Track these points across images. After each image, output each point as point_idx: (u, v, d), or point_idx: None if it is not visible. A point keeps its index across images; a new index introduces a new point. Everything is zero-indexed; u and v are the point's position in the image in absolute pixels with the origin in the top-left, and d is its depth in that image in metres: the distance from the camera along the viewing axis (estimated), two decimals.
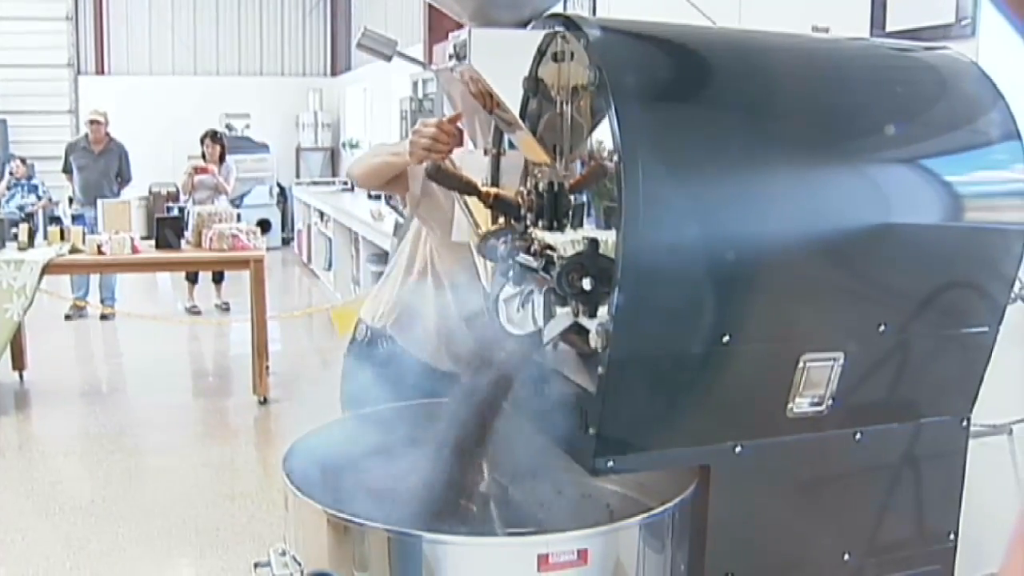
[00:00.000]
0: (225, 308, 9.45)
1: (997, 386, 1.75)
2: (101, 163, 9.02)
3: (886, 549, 1.67)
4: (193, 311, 9.35)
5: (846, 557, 1.65)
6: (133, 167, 9.42)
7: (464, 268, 2.32)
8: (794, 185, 1.48)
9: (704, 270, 1.39)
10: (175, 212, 8.66)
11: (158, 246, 6.93)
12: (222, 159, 9.47)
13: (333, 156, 16.14)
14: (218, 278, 9.48)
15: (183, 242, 6.99)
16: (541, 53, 1.68)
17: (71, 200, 9.64)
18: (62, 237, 6.75)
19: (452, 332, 2.38)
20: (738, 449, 1.53)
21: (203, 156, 9.41)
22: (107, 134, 9.12)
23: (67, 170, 9.22)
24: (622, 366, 1.41)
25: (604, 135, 1.46)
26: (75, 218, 8.55)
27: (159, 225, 7.03)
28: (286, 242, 14.87)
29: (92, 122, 9.06)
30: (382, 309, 2.48)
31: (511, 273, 1.66)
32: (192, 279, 9.42)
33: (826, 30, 1.87)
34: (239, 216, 7.70)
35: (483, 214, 1.86)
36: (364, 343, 2.50)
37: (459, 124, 2.10)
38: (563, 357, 1.64)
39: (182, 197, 9.50)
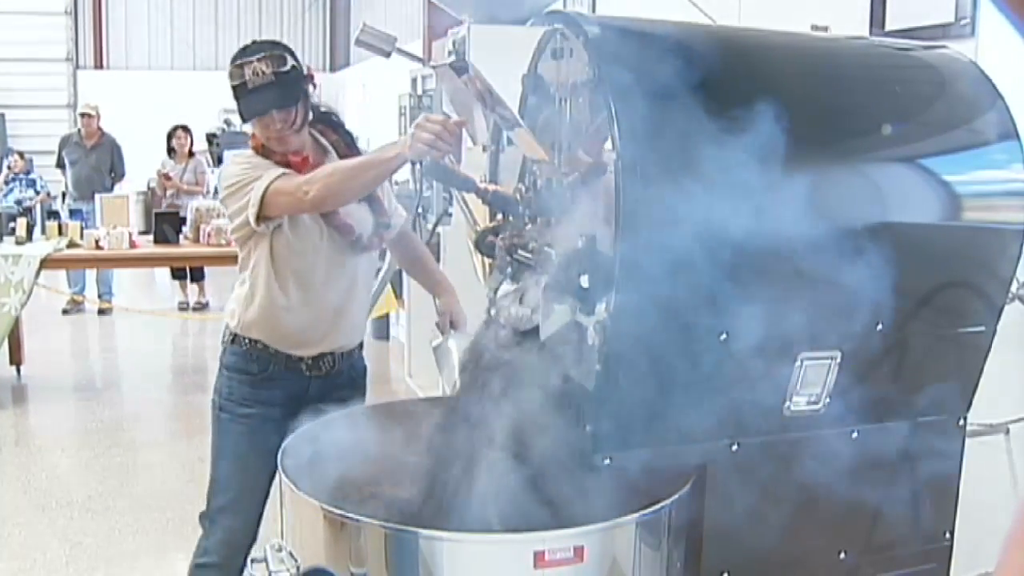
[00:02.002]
0: (204, 306, 9.30)
1: (994, 385, 1.75)
2: (93, 158, 8.94)
3: (882, 548, 1.67)
4: (183, 307, 9.28)
5: (842, 555, 1.65)
6: (131, 162, 9.34)
7: (307, 264, 2.48)
8: (791, 183, 1.48)
9: (701, 268, 1.39)
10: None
11: (156, 241, 6.91)
12: (191, 153, 9.25)
13: None
14: (197, 276, 9.30)
15: (181, 237, 6.98)
16: (540, 50, 1.68)
17: (64, 195, 9.57)
18: (60, 232, 6.74)
19: (307, 323, 2.51)
20: (735, 447, 1.53)
21: (170, 151, 9.21)
22: (99, 128, 9.05)
23: (60, 165, 9.16)
24: (619, 364, 1.41)
25: (602, 132, 1.46)
26: (72, 213, 8.50)
27: (157, 220, 7.02)
28: None
29: (84, 115, 8.99)
30: (251, 316, 2.54)
31: (509, 270, 1.66)
32: (181, 276, 9.31)
33: (825, 29, 1.87)
34: None
35: (481, 211, 1.86)
36: (230, 342, 2.61)
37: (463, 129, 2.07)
38: (560, 354, 1.64)
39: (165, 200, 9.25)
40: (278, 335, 2.53)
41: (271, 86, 2.38)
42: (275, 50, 2.42)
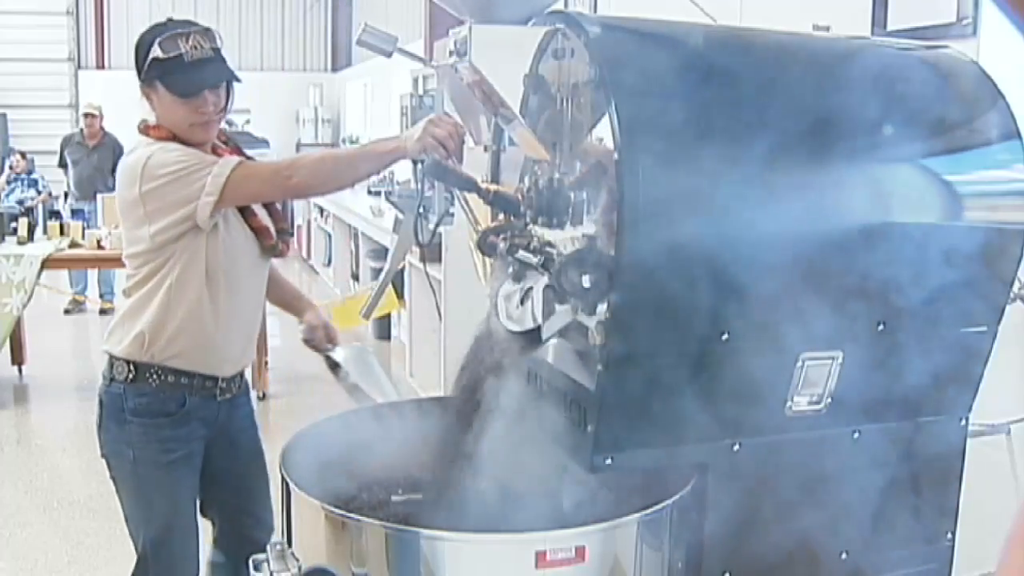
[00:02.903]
0: None
1: (996, 385, 1.75)
2: (95, 158, 8.96)
3: (883, 548, 1.67)
4: None
5: (844, 556, 1.65)
6: None
7: (244, 270, 2.31)
8: (793, 183, 1.48)
9: (703, 268, 1.39)
10: None
11: None
12: None
13: None
14: None
15: None
16: (542, 50, 1.68)
17: (66, 195, 9.59)
18: (62, 232, 6.75)
19: (232, 333, 2.32)
20: (736, 447, 1.53)
21: None
22: (102, 128, 9.07)
23: (62, 164, 9.18)
24: (621, 363, 1.41)
25: (604, 132, 1.46)
26: (74, 212, 8.51)
27: None
28: None
29: (87, 115, 9.02)
30: (171, 331, 2.26)
31: (510, 270, 1.66)
32: None
33: (827, 28, 1.87)
34: None
35: (482, 211, 1.86)
36: (130, 380, 2.29)
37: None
38: (562, 354, 1.64)
39: None
40: (201, 350, 2.29)
41: (211, 61, 2.22)
42: (202, 26, 2.26)
